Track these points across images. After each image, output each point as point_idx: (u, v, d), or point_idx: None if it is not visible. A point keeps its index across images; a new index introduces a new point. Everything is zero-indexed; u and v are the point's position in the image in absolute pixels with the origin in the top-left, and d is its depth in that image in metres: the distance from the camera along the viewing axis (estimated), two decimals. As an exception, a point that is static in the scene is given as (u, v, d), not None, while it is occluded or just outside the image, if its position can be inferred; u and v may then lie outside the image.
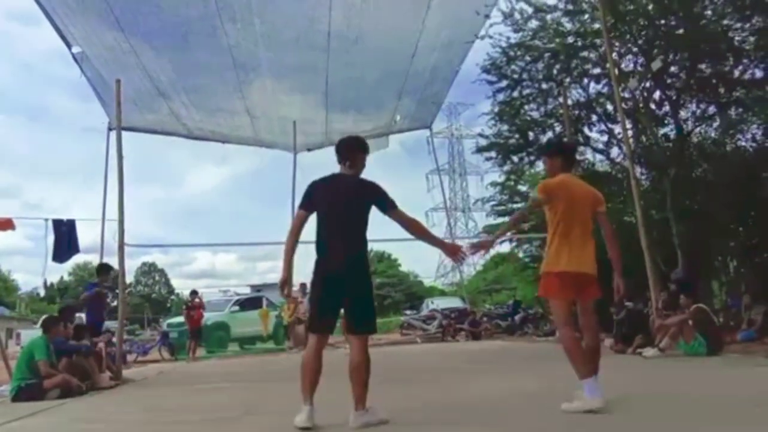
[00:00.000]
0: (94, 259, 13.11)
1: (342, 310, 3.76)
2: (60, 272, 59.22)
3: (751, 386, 4.81)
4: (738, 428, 3.01)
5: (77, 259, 22.14)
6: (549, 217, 4.05)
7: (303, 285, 15.32)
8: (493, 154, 15.09)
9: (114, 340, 9.34)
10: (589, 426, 3.29)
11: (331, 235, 3.79)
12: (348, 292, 3.69)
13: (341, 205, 3.82)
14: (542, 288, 4.03)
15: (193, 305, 15.09)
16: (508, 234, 4.14)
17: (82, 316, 9.59)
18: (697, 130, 13.58)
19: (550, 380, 5.24)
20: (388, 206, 3.88)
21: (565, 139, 9.16)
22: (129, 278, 45.92)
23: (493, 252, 38.09)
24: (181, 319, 18.28)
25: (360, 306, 3.75)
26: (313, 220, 3.90)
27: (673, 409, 3.73)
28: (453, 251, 4.18)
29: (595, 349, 3.93)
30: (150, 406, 5.62)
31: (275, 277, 14.60)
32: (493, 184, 19.88)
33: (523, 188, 18.72)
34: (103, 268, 9.77)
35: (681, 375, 5.73)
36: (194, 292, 16.14)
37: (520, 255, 22.16)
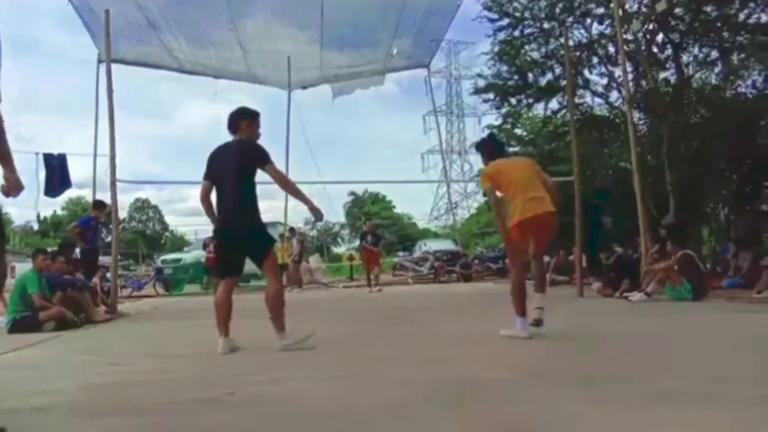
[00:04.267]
0: (87, 194, 13.08)
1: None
2: (53, 206, 59.01)
3: (730, 330, 4.95)
4: (712, 369, 3.09)
5: (70, 193, 22.05)
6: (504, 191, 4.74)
7: (292, 229, 15.82)
8: (491, 95, 14.87)
9: (108, 275, 9.43)
10: (558, 360, 3.38)
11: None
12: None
13: (228, 165, 4.32)
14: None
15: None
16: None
17: (75, 252, 9.62)
18: (698, 75, 13.37)
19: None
20: (261, 162, 4.35)
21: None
22: (122, 214, 45.99)
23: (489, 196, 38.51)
24: (175, 255, 18.39)
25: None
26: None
27: (648, 352, 3.83)
28: (315, 211, 4.52)
29: (539, 275, 4.72)
30: (145, 339, 5.72)
31: (270, 216, 14.76)
32: (490, 126, 19.65)
33: (519, 131, 18.56)
34: (99, 204, 9.80)
35: (663, 319, 5.86)
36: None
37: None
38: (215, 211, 4.38)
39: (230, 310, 4.30)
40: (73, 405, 2.81)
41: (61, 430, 2.42)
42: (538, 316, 4.47)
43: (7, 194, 2.66)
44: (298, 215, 56.84)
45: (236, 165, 4.30)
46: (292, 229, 16.34)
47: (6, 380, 3.64)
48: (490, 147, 5.16)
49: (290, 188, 4.60)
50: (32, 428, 2.44)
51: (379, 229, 15.32)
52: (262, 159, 4.34)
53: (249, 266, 4.55)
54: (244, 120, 4.48)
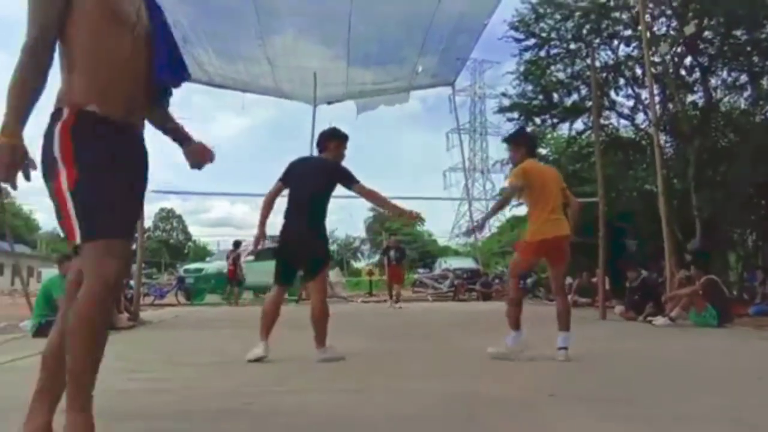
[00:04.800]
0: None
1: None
2: (81, 214, 60.07)
3: (756, 358, 4.83)
4: (736, 396, 3.02)
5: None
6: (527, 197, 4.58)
7: None
8: (515, 115, 14.88)
9: (132, 282, 9.58)
10: (577, 381, 3.34)
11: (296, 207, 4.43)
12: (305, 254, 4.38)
13: (307, 182, 4.42)
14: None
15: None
16: (492, 217, 4.63)
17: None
18: (726, 99, 13.22)
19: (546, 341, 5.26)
20: (348, 183, 4.47)
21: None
22: (147, 223, 46.63)
23: (508, 215, 38.26)
24: (197, 265, 18.60)
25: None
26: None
27: (672, 376, 3.76)
28: (411, 216, 4.65)
29: (564, 311, 4.44)
30: (166, 347, 5.78)
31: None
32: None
33: (543, 151, 18.48)
34: None
35: (687, 344, 5.74)
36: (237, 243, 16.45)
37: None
38: (284, 217, 4.45)
39: (276, 319, 4.39)
40: (97, 409, 2.85)
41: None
42: (563, 358, 4.23)
43: (200, 165, 2.28)
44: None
45: (318, 182, 4.44)
46: None
47: (28, 383, 3.71)
48: (529, 140, 4.99)
49: (380, 201, 4.64)
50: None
51: (401, 244, 15.13)
52: (349, 179, 4.46)
53: (267, 278, 4.65)
54: (333, 141, 4.65)
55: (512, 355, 4.37)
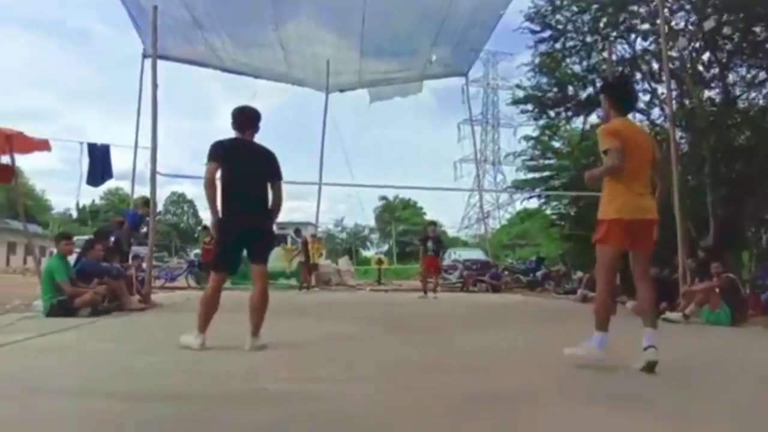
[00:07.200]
0: (126, 185, 13.38)
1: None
2: (92, 196, 60.69)
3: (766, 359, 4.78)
4: (744, 397, 3.01)
5: (109, 184, 22.65)
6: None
7: (298, 230, 15.70)
8: (529, 107, 14.80)
9: (144, 265, 9.64)
10: (583, 377, 3.31)
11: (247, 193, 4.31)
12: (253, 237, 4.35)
13: (257, 167, 4.36)
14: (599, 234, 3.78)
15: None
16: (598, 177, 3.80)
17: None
18: (744, 96, 13.04)
19: (558, 335, 5.24)
20: (278, 178, 4.47)
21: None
22: (159, 207, 46.93)
23: (519, 207, 37.91)
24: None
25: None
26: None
27: (681, 374, 3.72)
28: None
29: (648, 303, 3.81)
30: (177, 329, 5.80)
31: (301, 216, 14.84)
32: (527, 138, 19.48)
33: (557, 144, 18.36)
34: (147, 202, 10.05)
35: (700, 342, 5.71)
36: (206, 228, 16.82)
37: (548, 212, 21.98)
38: (231, 204, 4.28)
39: (216, 309, 4.39)
40: (111, 390, 2.87)
41: (100, 413, 2.47)
42: (652, 358, 3.53)
43: None
44: (327, 216, 57.29)
45: (266, 169, 4.41)
46: (297, 230, 16.09)
47: (44, 364, 3.75)
48: (614, 91, 4.01)
49: (278, 212, 4.54)
50: (76, 411, 2.51)
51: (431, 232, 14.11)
52: (280, 175, 4.48)
53: (276, 263, 4.59)
54: (258, 124, 4.52)
55: (592, 359, 3.69)
